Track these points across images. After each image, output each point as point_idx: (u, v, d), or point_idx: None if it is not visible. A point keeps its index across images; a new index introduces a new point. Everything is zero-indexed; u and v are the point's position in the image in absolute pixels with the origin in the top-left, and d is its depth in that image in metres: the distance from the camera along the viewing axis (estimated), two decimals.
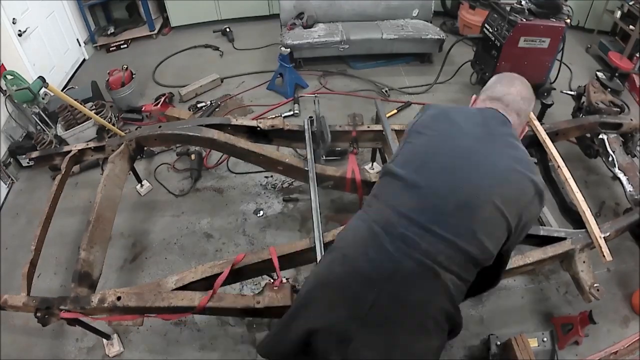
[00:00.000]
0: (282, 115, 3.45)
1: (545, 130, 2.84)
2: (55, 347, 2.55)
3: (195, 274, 2.12)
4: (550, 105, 3.41)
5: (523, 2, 3.79)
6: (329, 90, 4.61)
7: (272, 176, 3.55)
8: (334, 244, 1.47)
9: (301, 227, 3.17)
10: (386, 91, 4.50)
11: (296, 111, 4.24)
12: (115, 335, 2.53)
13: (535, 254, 2.25)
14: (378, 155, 3.32)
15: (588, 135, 3.19)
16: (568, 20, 3.77)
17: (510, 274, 2.31)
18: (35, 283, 2.31)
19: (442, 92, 4.52)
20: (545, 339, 2.31)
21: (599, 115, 3.10)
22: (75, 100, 3.41)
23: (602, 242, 2.24)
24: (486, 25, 4.19)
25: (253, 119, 3.01)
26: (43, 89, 3.15)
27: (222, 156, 3.73)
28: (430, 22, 5.07)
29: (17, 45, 4.01)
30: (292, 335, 1.37)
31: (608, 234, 2.32)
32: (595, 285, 2.17)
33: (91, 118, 3.56)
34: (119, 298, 2.02)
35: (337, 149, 3.29)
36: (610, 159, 2.94)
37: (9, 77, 3.18)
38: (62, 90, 3.82)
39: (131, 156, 2.90)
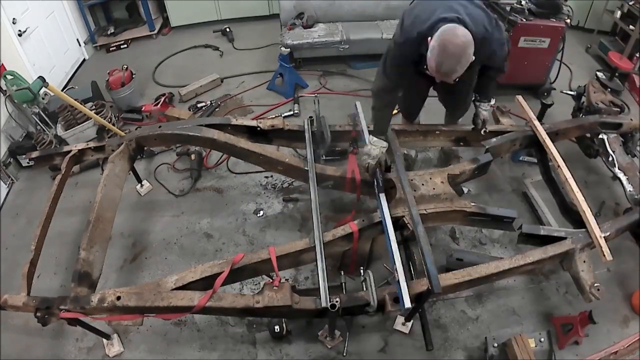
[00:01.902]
0: (282, 115, 3.46)
1: (545, 130, 2.85)
2: (55, 347, 2.55)
3: (195, 274, 2.12)
4: (550, 105, 3.41)
5: (523, 2, 3.79)
6: (329, 90, 4.61)
7: (272, 176, 3.55)
8: None
9: (301, 227, 3.17)
10: None
11: (296, 111, 4.24)
12: (115, 335, 2.53)
13: (536, 254, 2.25)
14: None
15: (588, 135, 3.19)
16: (568, 20, 3.77)
17: (510, 274, 2.31)
18: (35, 283, 2.32)
19: None
20: (542, 339, 2.31)
21: (599, 115, 3.10)
22: (75, 100, 3.42)
23: (602, 242, 2.24)
24: None
25: (253, 119, 3.02)
26: (43, 89, 3.15)
27: (222, 156, 3.73)
28: None
29: (17, 45, 4.01)
30: None
31: (608, 233, 2.32)
32: (595, 285, 2.16)
33: (91, 118, 3.56)
34: (118, 298, 2.03)
35: (337, 149, 3.29)
36: (610, 159, 2.94)
37: (9, 77, 3.18)
38: (62, 90, 3.82)
39: (131, 156, 2.90)
